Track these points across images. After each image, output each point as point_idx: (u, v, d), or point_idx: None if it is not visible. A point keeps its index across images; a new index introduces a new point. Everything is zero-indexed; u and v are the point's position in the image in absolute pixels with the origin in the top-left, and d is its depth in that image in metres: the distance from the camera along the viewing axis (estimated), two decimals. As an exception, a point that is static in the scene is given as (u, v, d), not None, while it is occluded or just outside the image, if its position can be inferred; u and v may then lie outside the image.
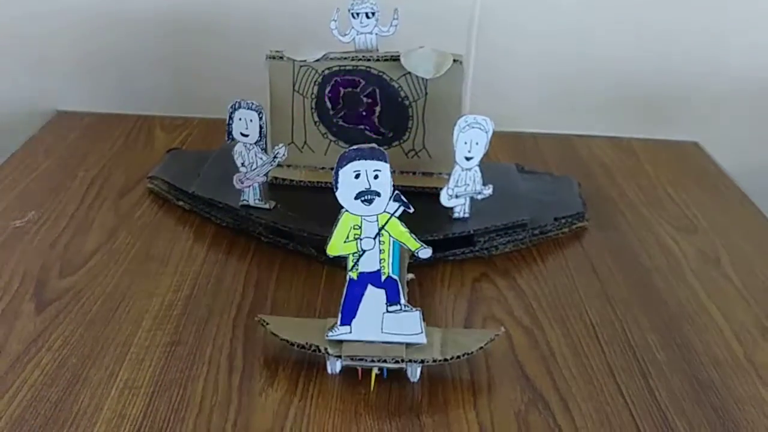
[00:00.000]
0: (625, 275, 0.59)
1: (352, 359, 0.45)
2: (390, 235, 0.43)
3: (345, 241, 0.43)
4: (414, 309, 0.45)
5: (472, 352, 0.45)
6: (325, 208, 0.60)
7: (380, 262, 0.43)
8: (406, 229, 0.42)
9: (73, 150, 0.76)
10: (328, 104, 0.64)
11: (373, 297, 0.44)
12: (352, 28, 0.62)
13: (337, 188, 0.41)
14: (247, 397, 0.45)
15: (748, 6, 0.80)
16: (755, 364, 0.50)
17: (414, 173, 0.65)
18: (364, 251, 0.43)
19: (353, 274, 0.44)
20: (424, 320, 0.45)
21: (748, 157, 0.85)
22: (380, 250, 0.43)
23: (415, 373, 0.46)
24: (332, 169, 0.66)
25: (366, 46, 0.63)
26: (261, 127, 0.59)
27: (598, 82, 0.84)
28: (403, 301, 0.44)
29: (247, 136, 0.59)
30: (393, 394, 0.46)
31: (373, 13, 0.62)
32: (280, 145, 0.59)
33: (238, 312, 0.52)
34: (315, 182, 0.66)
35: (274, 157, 0.59)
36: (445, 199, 0.60)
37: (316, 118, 0.65)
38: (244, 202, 0.62)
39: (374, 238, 0.42)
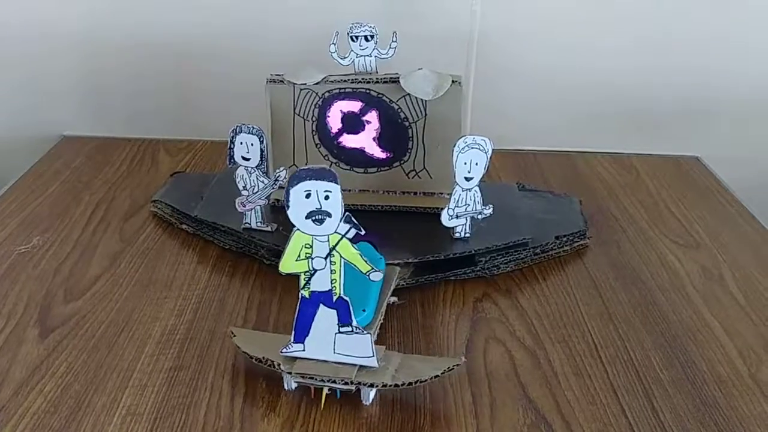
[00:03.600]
0: (628, 293, 0.58)
1: (302, 377, 0.45)
2: (341, 256, 0.43)
3: (297, 260, 0.43)
4: (365, 332, 0.45)
5: (425, 380, 0.45)
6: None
7: (331, 282, 0.44)
8: (358, 251, 0.43)
9: (79, 174, 0.77)
10: (329, 126, 0.64)
11: (325, 317, 0.44)
12: (351, 51, 0.63)
13: (288, 207, 0.41)
14: (249, 422, 0.45)
15: (748, 21, 0.80)
16: (759, 383, 0.49)
17: (415, 193, 0.66)
18: (315, 270, 0.43)
19: (305, 293, 0.44)
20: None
21: (749, 172, 0.85)
22: (331, 271, 0.43)
23: (367, 396, 0.46)
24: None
25: (365, 68, 0.64)
26: (262, 151, 0.59)
27: (597, 99, 0.85)
28: (354, 323, 0.44)
29: (248, 159, 0.59)
30: (395, 417, 0.46)
31: (372, 36, 0.63)
32: (281, 168, 0.60)
33: (240, 336, 0.52)
34: (317, 204, 0.66)
35: (276, 180, 0.60)
36: (445, 219, 0.60)
37: (317, 141, 0.65)
38: (247, 225, 0.62)
39: (325, 258, 0.43)
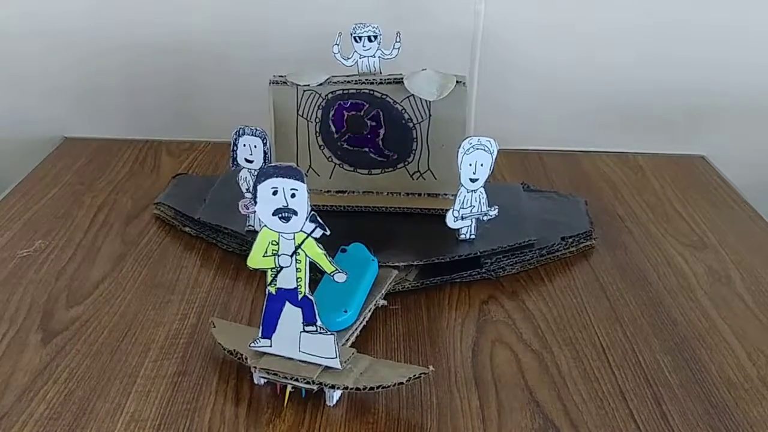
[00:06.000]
0: (635, 295, 0.58)
1: (267, 372, 0.46)
2: (306, 255, 0.43)
3: (264, 255, 0.43)
4: (329, 332, 0.44)
5: (387, 386, 0.44)
6: (331, 231, 0.60)
7: (297, 281, 0.43)
8: (323, 251, 0.43)
9: (81, 176, 0.77)
10: (332, 128, 0.64)
11: (291, 314, 0.44)
12: (355, 51, 0.63)
13: (256, 202, 0.41)
14: (254, 428, 0.44)
15: (753, 19, 0.80)
16: (770, 386, 0.49)
17: (419, 195, 0.65)
18: (281, 267, 0.43)
19: (272, 289, 0.44)
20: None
21: (755, 171, 0.84)
22: (297, 269, 0.43)
23: (331, 397, 0.46)
24: (338, 192, 0.67)
25: (369, 69, 0.63)
26: (265, 153, 0.59)
27: (602, 97, 0.84)
28: (319, 322, 0.44)
29: (251, 162, 0.59)
30: (401, 421, 0.45)
31: (375, 37, 0.62)
32: (285, 170, 0.59)
33: (244, 340, 0.52)
34: (320, 206, 0.66)
35: (279, 182, 0.59)
36: (450, 221, 0.59)
37: (321, 142, 0.65)
38: (250, 228, 0.62)
39: (291, 256, 0.43)
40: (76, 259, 0.62)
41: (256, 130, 0.58)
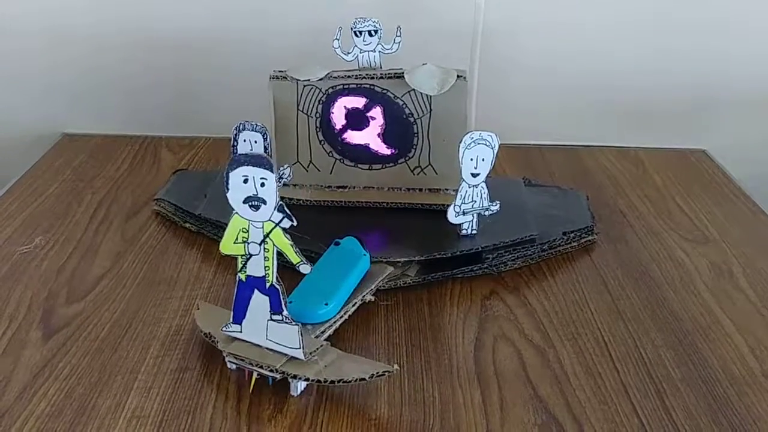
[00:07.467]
0: (637, 289, 0.58)
1: (235, 357, 0.46)
2: (274, 244, 0.43)
3: (234, 242, 0.44)
4: (294, 323, 0.45)
5: (349, 381, 0.44)
6: (332, 227, 0.60)
7: (265, 269, 0.44)
8: (290, 241, 0.43)
9: (80, 173, 0.76)
10: (333, 123, 0.64)
11: (259, 302, 0.45)
12: (355, 46, 0.62)
13: (227, 189, 0.42)
14: (256, 424, 0.44)
15: (754, 14, 0.79)
16: (772, 380, 0.49)
17: (420, 190, 0.65)
18: (250, 255, 0.44)
19: (242, 276, 0.44)
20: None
21: (757, 165, 0.84)
22: (265, 258, 0.43)
23: (296, 387, 0.46)
24: (339, 188, 0.67)
25: (369, 63, 0.63)
26: (266, 148, 0.58)
27: (603, 92, 0.84)
28: (285, 312, 0.44)
29: (251, 157, 0.59)
30: (404, 417, 0.45)
31: (375, 31, 0.62)
32: (285, 165, 0.59)
33: (245, 336, 0.52)
34: (321, 201, 0.66)
35: (280, 177, 0.59)
36: (452, 216, 0.59)
37: (321, 137, 0.64)
38: (250, 223, 0.61)
39: (259, 244, 0.43)
40: (76, 256, 0.61)
41: (257, 125, 0.58)
